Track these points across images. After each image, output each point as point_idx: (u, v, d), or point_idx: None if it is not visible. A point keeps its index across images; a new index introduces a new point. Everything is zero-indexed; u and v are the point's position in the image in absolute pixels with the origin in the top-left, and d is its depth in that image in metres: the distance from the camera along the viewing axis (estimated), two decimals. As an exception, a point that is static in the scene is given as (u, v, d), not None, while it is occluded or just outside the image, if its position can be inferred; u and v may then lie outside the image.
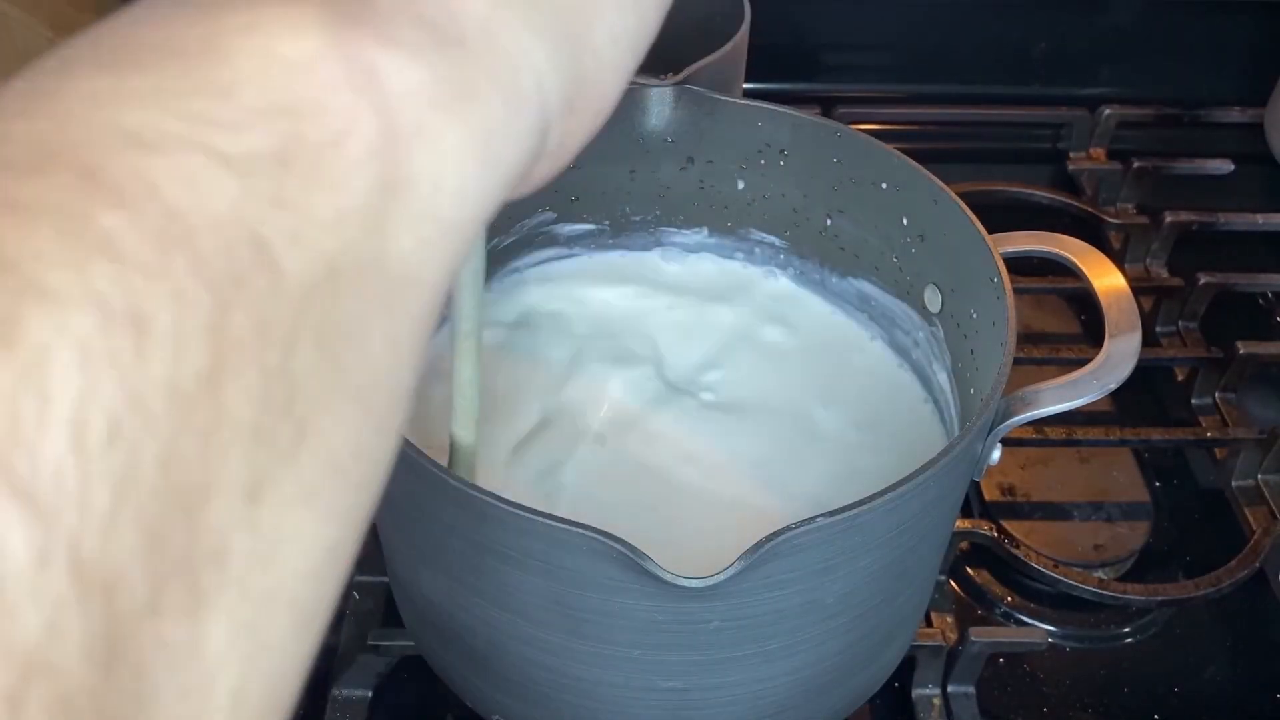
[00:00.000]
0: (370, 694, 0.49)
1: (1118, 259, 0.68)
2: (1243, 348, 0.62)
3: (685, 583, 0.33)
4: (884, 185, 0.50)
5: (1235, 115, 0.82)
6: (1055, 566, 0.54)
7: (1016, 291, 0.42)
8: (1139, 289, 0.60)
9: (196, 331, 0.14)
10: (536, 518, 0.34)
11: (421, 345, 0.18)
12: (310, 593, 0.16)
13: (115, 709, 0.13)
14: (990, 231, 0.45)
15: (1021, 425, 0.40)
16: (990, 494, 0.59)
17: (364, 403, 0.17)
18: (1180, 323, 0.67)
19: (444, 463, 0.38)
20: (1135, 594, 0.54)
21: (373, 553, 0.53)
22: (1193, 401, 0.64)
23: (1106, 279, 0.45)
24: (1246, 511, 0.58)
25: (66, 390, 0.13)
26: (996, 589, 0.55)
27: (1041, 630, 0.51)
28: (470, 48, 0.19)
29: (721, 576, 0.33)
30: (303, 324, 0.15)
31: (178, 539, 0.14)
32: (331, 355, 0.16)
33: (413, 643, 0.48)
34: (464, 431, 0.39)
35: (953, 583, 0.55)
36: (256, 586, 0.15)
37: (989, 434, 0.40)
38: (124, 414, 0.13)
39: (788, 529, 0.34)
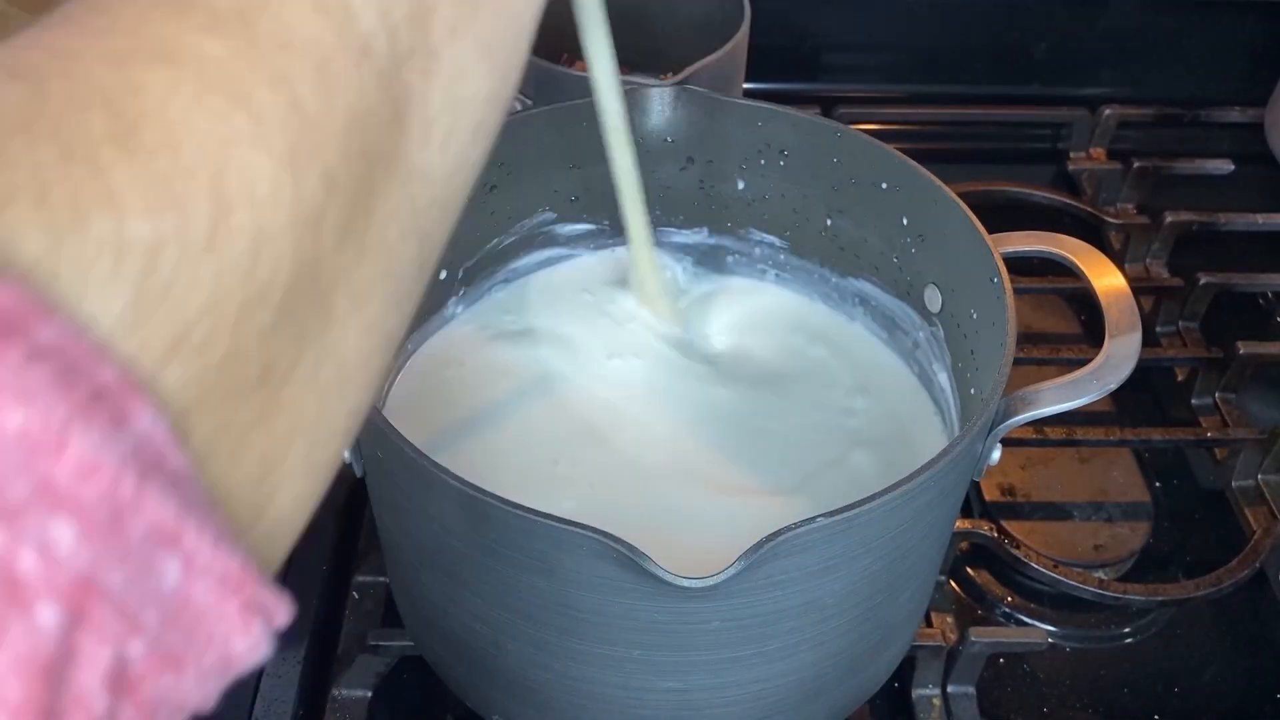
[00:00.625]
0: (370, 694, 0.49)
1: (1118, 259, 0.68)
2: (1243, 348, 0.62)
3: (685, 583, 0.33)
4: (884, 185, 0.50)
5: (1235, 115, 0.82)
6: (1055, 567, 0.54)
7: (1016, 291, 0.42)
8: (1139, 289, 0.60)
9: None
10: (536, 518, 0.34)
11: None
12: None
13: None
14: (990, 231, 0.45)
15: (1021, 425, 0.40)
16: (990, 494, 0.59)
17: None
18: (1180, 323, 0.67)
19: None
20: (1135, 594, 0.54)
21: (373, 553, 0.53)
22: (1193, 401, 0.64)
23: (1106, 279, 0.45)
24: (1246, 511, 0.58)
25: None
26: (996, 589, 0.55)
27: (1041, 630, 0.51)
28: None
29: (721, 576, 0.33)
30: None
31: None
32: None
33: (413, 643, 0.48)
34: (635, 219, 0.48)
35: (953, 583, 0.55)
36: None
37: (989, 434, 0.40)
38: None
39: (788, 529, 0.34)
